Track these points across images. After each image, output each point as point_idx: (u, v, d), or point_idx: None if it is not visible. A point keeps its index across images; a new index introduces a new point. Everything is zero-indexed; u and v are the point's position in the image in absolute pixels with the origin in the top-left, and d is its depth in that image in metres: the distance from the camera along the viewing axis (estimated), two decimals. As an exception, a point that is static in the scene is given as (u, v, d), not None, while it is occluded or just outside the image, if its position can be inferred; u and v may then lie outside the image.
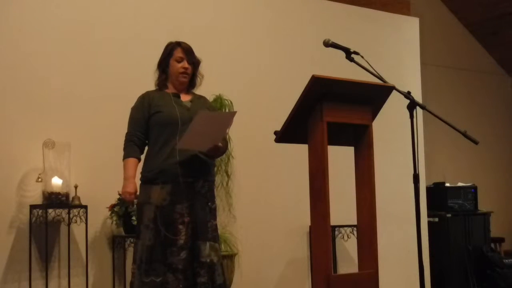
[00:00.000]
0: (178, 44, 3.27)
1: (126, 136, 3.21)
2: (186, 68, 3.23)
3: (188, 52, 3.26)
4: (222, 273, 3.15)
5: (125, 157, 3.18)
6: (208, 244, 3.09)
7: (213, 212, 3.20)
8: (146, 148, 3.24)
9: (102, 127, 4.15)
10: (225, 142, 3.26)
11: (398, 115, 3.62)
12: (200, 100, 3.32)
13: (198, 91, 3.39)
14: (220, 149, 3.16)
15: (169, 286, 2.98)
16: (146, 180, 3.12)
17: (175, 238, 3.01)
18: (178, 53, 3.24)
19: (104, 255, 4.09)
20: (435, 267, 5.67)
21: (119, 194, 3.95)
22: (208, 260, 3.07)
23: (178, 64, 3.23)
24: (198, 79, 3.34)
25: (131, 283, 3.10)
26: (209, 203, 3.17)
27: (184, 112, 3.15)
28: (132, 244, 3.98)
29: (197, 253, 3.07)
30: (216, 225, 3.20)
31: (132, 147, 3.17)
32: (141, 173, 3.18)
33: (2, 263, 3.76)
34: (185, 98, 3.25)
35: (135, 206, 3.88)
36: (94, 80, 4.18)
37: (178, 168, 3.04)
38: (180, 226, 3.03)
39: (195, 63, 3.29)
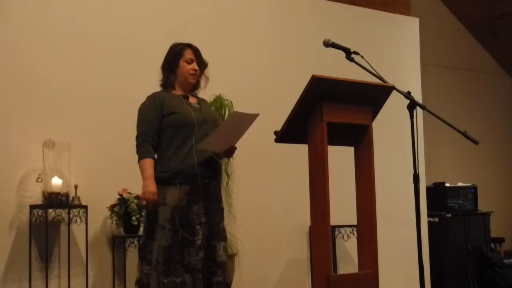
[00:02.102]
0: (189, 45, 3.27)
1: (139, 136, 3.13)
2: (196, 70, 3.25)
3: (198, 54, 3.27)
4: (229, 272, 3.21)
5: (142, 157, 3.09)
6: (222, 244, 3.14)
7: (222, 212, 3.25)
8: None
9: (102, 127, 4.15)
10: None
11: (398, 115, 3.62)
12: (204, 102, 3.36)
13: (201, 91, 3.40)
14: (234, 150, 3.20)
15: (186, 287, 2.98)
16: (161, 181, 3.07)
17: (194, 238, 3.01)
18: (189, 54, 3.24)
19: (104, 255, 4.09)
20: (435, 267, 5.67)
21: (120, 194, 3.96)
22: (222, 260, 3.11)
23: (188, 65, 3.23)
24: (203, 81, 3.35)
25: (143, 284, 3.05)
26: (220, 203, 3.22)
27: (198, 114, 3.16)
28: (132, 244, 4.00)
29: (213, 253, 3.10)
30: (224, 224, 3.24)
31: (147, 147, 3.10)
32: (154, 174, 3.10)
33: (2, 263, 3.76)
34: (192, 100, 3.27)
35: (132, 205, 3.91)
36: (94, 80, 4.18)
37: (197, 169, 3.05)
38: (198, 227, 3.04)
39: (203, 65, 3.30)
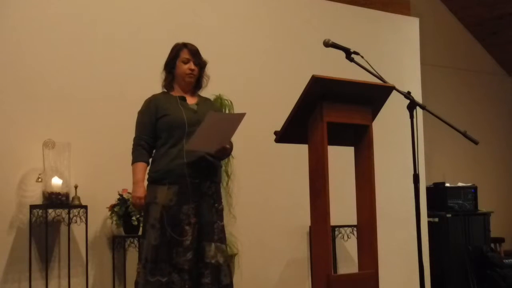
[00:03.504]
0: (185, 45, 3.29)
1: (134, 141, 3.22)
2: (192, 70, 3.26)
3: (194, 53, 3.27)
4: (229, 274, 3.17)
5: (134, 161, 3.18)
6: (213, 245, 3.10)
7: (219, 213, 3.22)
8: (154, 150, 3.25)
9: (102, 127, 4.15)
10: (231, 143, 3.26)
11: (398, 115, 3.62)
12: (206, 102, 3.36)
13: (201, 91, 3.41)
14: (227, 150, 3.20)
15: (175, 286, 2.99)
16: (152, 180, 3.14)
17: (182, 239, 3.02)
18: (184, 54, 3.26)
19: (104, 255, 4.09)
20: (435, 267, 5.67)
21: (120, 194, 3.96)
22: (213, 261, 3.08)
23: (184, 65, 3.25)
24: (205, 80, 3.36)
25: (136, 283, 3.11)
26: (216, 204, 3.19)
27: (191, 114, 3.17)
28: (132, 244, 4.00)
29: (202, 254, 3.08)
30: (223, 226, 3.22)
31: (140, 151, 3.18)
32: (148, 173, 3.20)
33: (2, 263, 3.76)
34: (191, 101, 3.28)
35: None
36: (94, 80, 4.18)
37: (185, 168, 3.06)
38: (187, 227, 3.04)
39: (201, 64, 3.30)
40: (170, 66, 3.28)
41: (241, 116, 3.03)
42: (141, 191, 3.12)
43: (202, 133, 2.98)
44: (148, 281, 3.01)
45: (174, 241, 3.02)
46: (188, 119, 3.13)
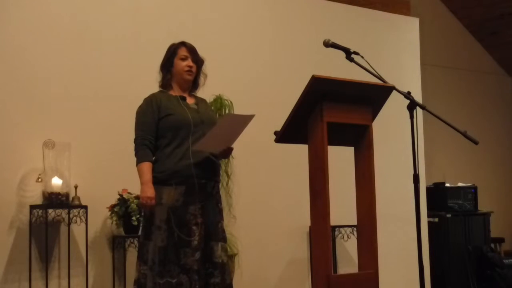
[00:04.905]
0: (183, 43, 3.30)
1: (137, 140, 3.16)
2: (190, 66, 3.25)
3: (192, 51, 3.28)
4: (229, 273, 3.20)
5: (140, 161, 3.12)
6: (220, 244, 3.13)
7: (221, 213, 3.25)
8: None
9: (102, 127, 4.15)
10: None
11: (398, 115, 3.62)
12: (203, 102, 3.36)
13: (200, 90, 3.41)
14: (231, 151, 3.21)
15: (183, 287, 2.98)
16: (158, 181, 3.09)
17: (190, 239, 3.01)
18: (183, 51, 3.26)
19: (104, 255, 4.09)
20: (435, 267, 5.67)
21: (120, 194, 3.96)
22: (220, 261, 3.10)
23: (182, 62, 3.25)
24: (202, 79, 3.36)
25: (140, 284, 3.08)
26: (218, 204, 3.22)
27: (195, 114, 3.18)
28: (132, 244, 4.00)
29: (210, 254, 3.10)
30: (223, 225, 3.23)
31: (145, 151, 3.12)
32: (152, 174, 3.13)
33: (2, 263, 3.76)
34: (190, 101, 3.28)
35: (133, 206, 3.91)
36: (94, 80, 4.18)
37: (193, 169, 3.05)
38: (194, 227, 3.04)
39: (199, 62, 3.30)
40: (168, 64, 3.27)
41: (250, 118, 3.04)
42: (152, 192, 3.06)
43: (214, 134, 2.99)
44: (157, 283, 2.99)
45: (181, 242, 3.01)
46: (193, 119, 3.13)
